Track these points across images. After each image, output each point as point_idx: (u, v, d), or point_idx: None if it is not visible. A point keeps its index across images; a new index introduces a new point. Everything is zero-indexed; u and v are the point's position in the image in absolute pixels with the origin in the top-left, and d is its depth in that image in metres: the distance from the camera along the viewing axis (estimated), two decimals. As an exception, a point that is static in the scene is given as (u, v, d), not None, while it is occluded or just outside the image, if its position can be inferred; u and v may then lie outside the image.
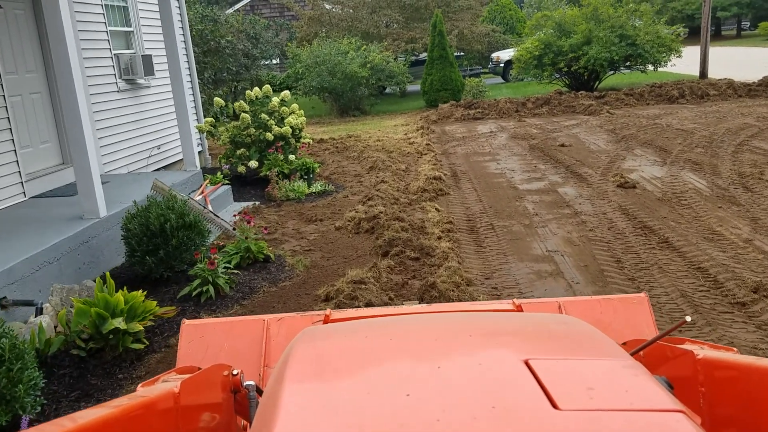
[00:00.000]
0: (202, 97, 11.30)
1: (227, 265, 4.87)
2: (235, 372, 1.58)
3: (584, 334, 1.39)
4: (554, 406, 0.99)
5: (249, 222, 5.33)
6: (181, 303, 4.53)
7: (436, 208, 6.64)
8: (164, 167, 8.98)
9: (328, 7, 22.01)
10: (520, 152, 9.98)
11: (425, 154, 10.34)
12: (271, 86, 24.03)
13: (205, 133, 9.08)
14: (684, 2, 39.90)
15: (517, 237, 5.66)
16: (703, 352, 1.38)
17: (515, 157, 9.53)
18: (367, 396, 1.08)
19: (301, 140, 9.05)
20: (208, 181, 7.60)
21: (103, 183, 6.94)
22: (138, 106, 8.64)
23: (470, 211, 6.63)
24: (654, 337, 1.50)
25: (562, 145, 10.09)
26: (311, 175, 8.45)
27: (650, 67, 16.85)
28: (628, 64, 16.77)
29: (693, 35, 31.55)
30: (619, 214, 6.08)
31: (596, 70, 16.48)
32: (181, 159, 9.41)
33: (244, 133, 8.61)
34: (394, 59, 19.23)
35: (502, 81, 23.93)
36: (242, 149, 8.63)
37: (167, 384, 1.38)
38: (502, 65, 24.08)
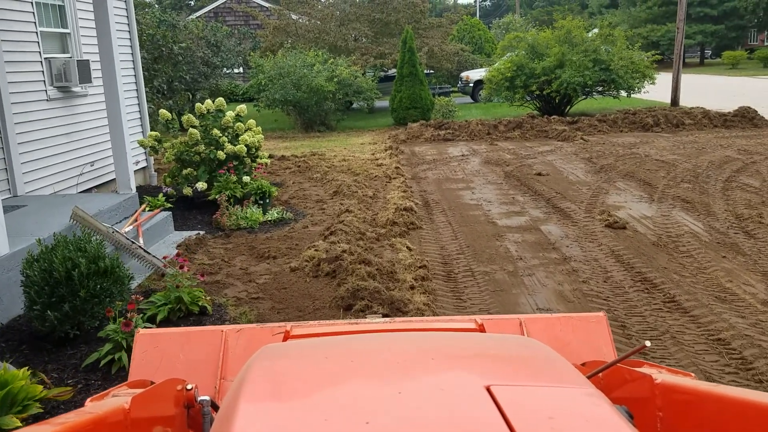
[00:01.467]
0: (150, 108, 10.31)
1: (148, 324, 3.94)
2: (189, 387, 1.52)
3: (546, 359, 1.38)
4: None
5: (182, 267, 4.40)
6: (87, 374, 3.59)
7: (407, 247, 5.84)
8: (99, 186, 7.96)
9: (294, 17, 21.19)
10: (495, 180, 9.29)
11: (394, 178, 9.56)
12: (233, 96, 23.00)
13: (148, 149, 8.10)
14: (649, 29, 40.48)
15: (500, 288, 4.89)
16: (661, 376, 1.39)
17: (490, 186, 8.82)
18: (325, 423, 1.04)
19: (258, 160, 8.16)
20: (145, 206, 6.64)
21: (18, 207, 5.93)
22: (71, 117, 7.63)
23: (446, 252, 5.84)
24: (613, 360, 1.49)
25: (539, 174, 9.44)
26: (267, 200, 7.56)
27: (623, 93, 16.51)
28: (600, 89, 16.41)
29: (658, 62, 31.82)
30: (613, 262, 5.38)
31: (569, 94, 16.05)
32: (121, 177, 8.41)
33: (192, 150, 7.68)
34: (363, 74, 18.51)
35: (471, 101, 23.47)
36: (189, 169, 7.68)
37: (117, 399, 1.35)
38: (471, 85, 23.65)
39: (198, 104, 7.90)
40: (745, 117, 14.38)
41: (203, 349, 1.95)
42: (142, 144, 8.03)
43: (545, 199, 7.76)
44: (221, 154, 7.61)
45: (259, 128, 8.33)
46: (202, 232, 6.60)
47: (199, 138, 7.64)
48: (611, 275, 5.05)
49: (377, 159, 11.55)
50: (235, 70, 23.90)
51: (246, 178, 7.63)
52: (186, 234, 6.53)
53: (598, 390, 1.21)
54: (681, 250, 5.64)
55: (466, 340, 1.60)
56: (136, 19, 12.69)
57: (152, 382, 1.58)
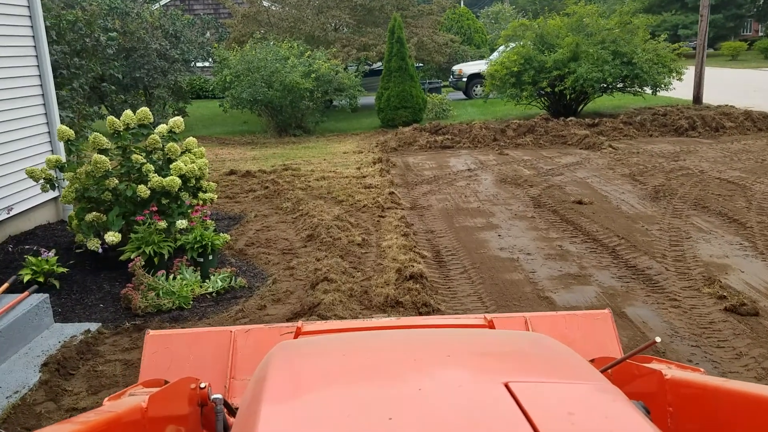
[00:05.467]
0: (68, 118, 7.87)
1: None
2: (202, 385, 1.52)
3: (561, 355, 1.37)
4: (536, 431, 0.97)
5: None
6: None
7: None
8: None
9: (266, 3, 18.72)
10: (522, 212, 7.02)
11: (388, 208, 7.26)
12: (203, 93, 19.95)
13: (41, 182, 5.68)
14: (645, 20, 38.45)
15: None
16: (671, 372, 1.38)
17: (520, 224, 6.55)
18: (348, 419, 1.04)
19: (201, 195, 5.81)
20: (6, 286, 4.25)
21: None
22: None
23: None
24: (624, 355, 1.49)
25: (580, 203, 7.20)
26: (210, 257, 5.22)
27: (647, 91, 14.34)
28: (621, 85, 14.22)
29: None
30: (786, 402, 3.14)
31: (585, 91, 13.84)
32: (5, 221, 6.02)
33: (103, 184, 5.31)
34: (344, 69, 16.13)
35: (465, 97, 21.19)
36: (95, 213, 5.31)
37: (135, 398, 1.37)
38: (464, 80, 21.36)
39: (111, 118, 5.49)
40: (794, 118, 12.30)
41: (212, 349, 1.96)
42: (31, 175, 5.61)
43: (607, 250, 5.49)
44: (143, 190, 5.24)
45: (203, 149, 5.97)
46: (96, 326, 4.20)
47: (110, 168, 5.26)
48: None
49: (364, 176, 9.24)
50: (205, 64, 21.33)
51: (181, 223, 5.27)
52: (72, 330, 4.13)
53: (615, 386, 1.19)
54: None
55: (480, 336, 1.59)
56: (80, 5, 10.14)
57: (166, 381, 1.57)
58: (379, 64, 18.38)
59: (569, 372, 1.27)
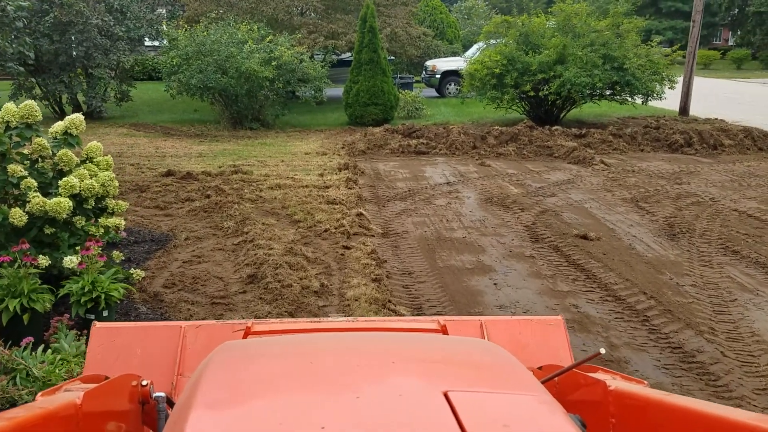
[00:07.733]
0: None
1: None
2: (144, 383, 1.48)
3: (504, 365, 1.38)
4: None
5: None
6: None
7: None
8: None
9: (226, -20, 17.01)
10: (517, 247, 5.75)
11: (355, 235, 5.91)
12: (155, 74, 17.95)
13: None
14: (636, 22, 37.92)
15: None
16: (615, 383, 1.39)
17: (518, 266, 5.27)
18: (279, 427, 1.01)
19: (103, 221, 4.34)
20: None
21: None
22: None
23: None
24: (569, 365, 1.50)
25: (585, 237, 5.98)
26: (106, 313, 3.77)
27: (638, 100, 13.31)
28: (609, 92, 13.14)
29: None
30: None
31: (571, 97, 12.71)
32: None
33: (-41, 205, 3.81)
34: (310, 57, 14.64)
35: (437, 95, 19.91)
36: (-58, 248, 3.80)
37: (69, 394, 1.31)
38: (438, 76, 20.07)
39: (-23, 111, 3.98)
40: (795, 139, 11.40)
41: (161, 344, 1.89)
42: None
43: (637, 316, 4.25)
44: (18, 215, 3.77)
45: (109, 158, 4.48)
46: None
47: (-33, 183, 3.76)
48: None
49: (327, 186, 7.86)
50: (155, 43, 19.45)
51: (70, 261, 3.82)
52: None
53: (554, 398, 1.21)
54: None
55: (428, 343, 1.59)
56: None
57: (107, 377, 1.54)
58: (349, 54, 16.95)
59: (511, 383, 1.27)
